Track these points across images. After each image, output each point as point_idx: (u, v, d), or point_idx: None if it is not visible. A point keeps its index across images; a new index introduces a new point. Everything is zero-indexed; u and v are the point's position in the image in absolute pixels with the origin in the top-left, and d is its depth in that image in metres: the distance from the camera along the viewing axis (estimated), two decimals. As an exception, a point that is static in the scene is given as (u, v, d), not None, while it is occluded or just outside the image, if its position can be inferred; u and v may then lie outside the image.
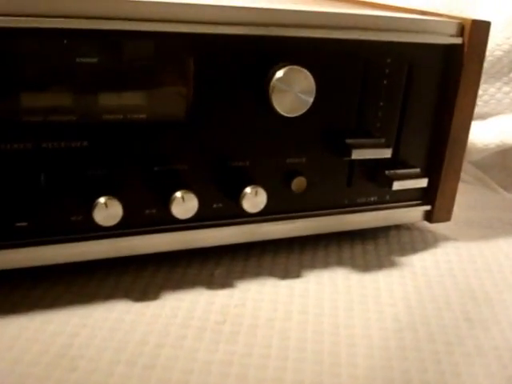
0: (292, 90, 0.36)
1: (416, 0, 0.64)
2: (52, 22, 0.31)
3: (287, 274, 0.42)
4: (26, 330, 0.34)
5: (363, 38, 0.39)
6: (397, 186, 0.42)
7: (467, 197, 0.58)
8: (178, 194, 0.36)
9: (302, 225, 0.43)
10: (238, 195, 0.37)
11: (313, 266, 0.43)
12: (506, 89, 0.67)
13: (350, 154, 0.40)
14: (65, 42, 0.32)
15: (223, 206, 0.39)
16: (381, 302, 0.39)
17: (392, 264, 0.44)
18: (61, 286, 0.38)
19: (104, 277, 0.39)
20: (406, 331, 0.36)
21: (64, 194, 0.35)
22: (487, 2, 0.67)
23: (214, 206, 0.39)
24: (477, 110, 0.46)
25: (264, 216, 0.40)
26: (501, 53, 0.65)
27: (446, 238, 0.49)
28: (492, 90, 0.66)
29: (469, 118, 0.44)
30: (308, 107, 0.36)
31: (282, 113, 0.36)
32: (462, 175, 0.47)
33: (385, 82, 0.41)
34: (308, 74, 0.36)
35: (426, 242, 0.48)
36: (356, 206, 0.44)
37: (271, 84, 0.35)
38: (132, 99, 0.35)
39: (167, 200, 0.36)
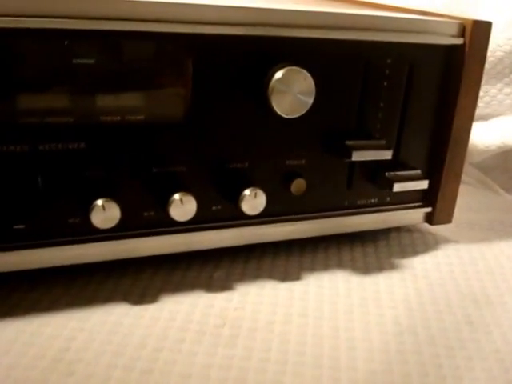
0: (291, 91, 0.35)
1: (416, 0, 0.64)
2: (49, 23, 0.31)
3: (287, 276, 0.41)
4: (22, 333, 0.33)
5: (363, 38, 0.39)
6: (397, 187, 0.42)
7: (468, 199, 0.58)
8: (177, 197, 0.35)
9: (301, 227, 0.42)
10: (236, 197, 0.37)
11: (312, 268, 0.43)
12: (507, 90, 0.66)
13: (350, 156, 0.39)
14: (62, 42, 0.32)
15: (222, 208, 0.39)
16: (381, 304, 0.39)
17: (392, 266, 0.44)
18: (58, 289, 0.38)
19: (102, 279, 0.39)
20: (406, 334, 0.35)
21: (61, 197, 0.35)
22: (488, 2, 0.67)
23: (213, 208, 0.39)
24: (478, 111, 0.46)
25: (263, 218, 0.40)
26: (502, 53, 0.65)
27: (447, 241, 0.49)
28: (493, 91, 0.66)
29: (470, 119, 0.44)
30: (307, 108, 0.36)
31: (281, 114, 0.36)
32: (463, 177, 0.47)
33: (385, 82, 0.41)
34: (307, 74, 0.35)
35: (426, 245, 0.48)
36: (356, 208, 0.44)
37: (270, 85, 0.35)
38: (130, 100, 0.35)
39: (165, 202, 0.35)
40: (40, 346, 0.32)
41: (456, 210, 0.47)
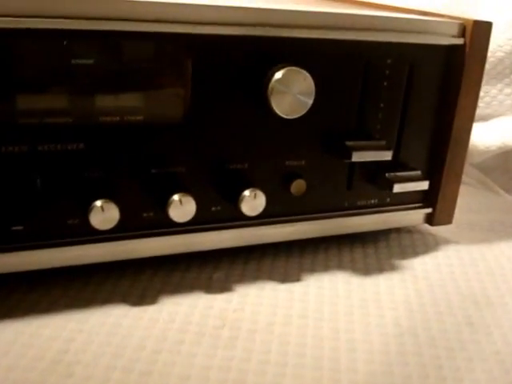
0: (291, 92, 0.35)
1: (417, 0, 0.63)
2: (48, 23, 0.31)
3: (287, 277, 0.41)
4: (21, 334, 0.33)
5: (363, 38, 0.39)
6: (397, 188, 0.41)
7: (469, 199, 0.58)
8: (176, 197, 0.35)
9: (301, 228, 0.42)
10: (236, 198, 0.37)
11: (313, 269, 0.43)
12: (507, 90, 0.66)
13: (350, 157, 0.39)
14: (61, 43, 0.32)
15: (222, 209, 0.39)
16: (381, 306, 0.39)
17: (393, 267, 0.44)
18: (57, 290, 0.37)
19: (101, 281, 0.39)
20: (406, 336, 0.35)
21: (60, 197, 0.35)
22: (489, 2, 0.67)
23: (213, 209, 0.39)
24: (478, 111, 0.45)
25: (263, 219, 0.40)
26: (502, 54, 0.64)
27: (448, 241, 0.49)
28: (494, 91, 0.66)
29: (470, 119, 0.44)
30: (307, 109, 0.36)
31: (281, 114, 0.36)
32: (464, 177, 0.47)
33: (385, 83, 0.41)
34: (307, 75, 0.35)
35: (427, 246, 0.48)
36: (356, 209, 0.44)
37: (270, 85, 0.35)
38: (129, 101, 0.35)
39: (165, 203, 0.35)
40: (39, 347, 0.32)
41: (456, 211, 0.47)
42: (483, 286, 0.42)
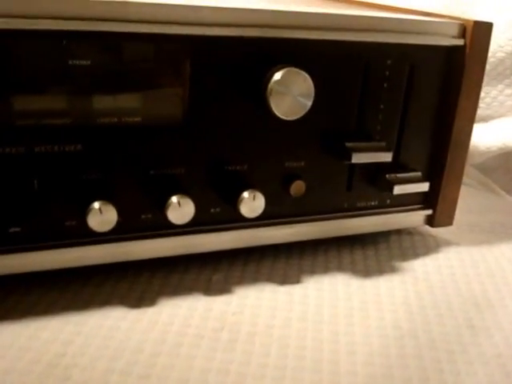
0: (290, 93, 0.35)
1: (417, 1, 0.63)
2: (45, 24, 0.31)
3: (286, 279, 0.41)
4: (19, 337, 0.33)
5: (363, 39, 0.39)
6: (398, 190, 0.41)
7: (469, 200, 0.58)
8: (174, 199, 0.35)
9: (301, 230, 0.42)
10: (235, 200, 0.37)
11: (312, 271, 0.42)
12: (508, 91, 0.66)
13: (349, 158, 0.39)
14: (59, 43, 0.31)
15: (221, 210, 0.39)
16: (382, 308, 0.38)
17: (393, 269, 0.44)
18: (55, 292, 0.37)
19: (100, 282, 0.39)
20: (407, 338, 0.35)
21: (58, 199, 0.34)
22: (489, 2, 0.67)
23: (212, 210, 0.39)
24: (479, 112, 0.45)
25: (262, 221, 0.40)
26: (503, 54, 0.64)
27: (448, 243, 0.48)
28: (494, 92, 0.66)
29: (471, 120, 0.44)
30: (306, 110, 0.36)
31: (280, 116, 0.35)
32: (464, 178, 0.46)
33: (385, 84, 0.41)
34: (307, 76, 0.35)
35: (427, 247, 0.47)
36: (356, 211, 0.43)
37: (269, 86, 0.34)
38: (127, 102, 0.34)
39: (163, 205, 0.35)
40: (36, 350, 0.32)
41: (457, 212, 0.47)
42: (484, 288, 0.42)
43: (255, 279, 0.41)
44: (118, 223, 0.34)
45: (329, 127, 0.40)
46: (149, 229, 0.37)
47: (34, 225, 0.34)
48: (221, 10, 0.35)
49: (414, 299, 0.40)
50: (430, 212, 0.46)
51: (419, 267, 0.44)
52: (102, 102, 0.34)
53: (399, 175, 0.42)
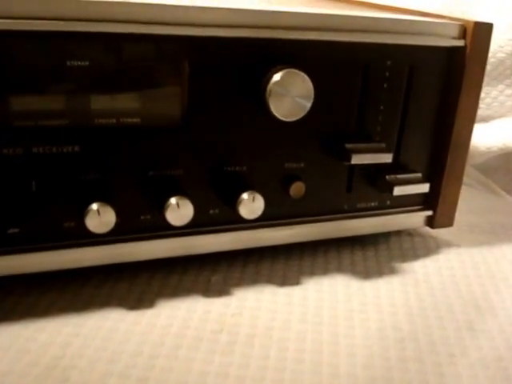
0: (289, 94, 0.35)
1: (417, 1, 0.63)
2: (43, 25, 0.31)
3: (286, 280, 0.41)
4: (17, 338, 0.33)
5: (363, 40, 0.38)
6: (398, 191, 0.41)
7: (469, 201, 0.57)
8: (173, 201, 0.35)
9: (300, 231, 0.42)
10: (234, 201, 0.37)
11: (312, 272, 0.42)
12: (508, 91, 0.66)
13: (349, 159, 0.39)
14: (57, 44, 0.31)
15: (220, 211, 0.39)
16: (382, 310, 0.38)
17: (393, 271, 0.43)
18: (54, 293, 0.37)
19: (99, 284, 0.39)
20: (407, 341, 0.35)
21: (56, 200, 0.34)
22: (489, 3, 0.67)
23: (211, 211, 0.38)
24: (479, 112, 0.45)
25: (262, 222, 0.39)
26: (503, 55, 0.64)
27: (449, 244, 0.48)
28: (494, 92, 0.66)
29: (471, 121, 0.44)
30: (306, 111, 0.36)
31: (280, 117, 0.35)
32: (465, 179, 0.46)
33: (385, 85, 0.40)
34: (306, 77, 0.35)
35: (427, 248, 0.47)
36: (356, 212, 0.43)
37: (268, 87, 0.34)
38: (125, 103, 0.34)
39: (162, 206, 0.35)
40: (35, 352, 0.32)
41: (457, 213, 0.46)
42: (484, 289, 0.41)
43: (254, 280, 0.41)
44: (117, 224, 0.34)
45: (328, 128, 0.40)
46: (147, 230, 0.37)
47: (33, 226, 0.34)
48: (220, 11, 0.34)
49: (414, 301, 0.39)
50: (430, 213, 0.46)
51: (419, 268, 0.44)
52: (100, 103, 0.33)
53: (399, 176, 0.42)
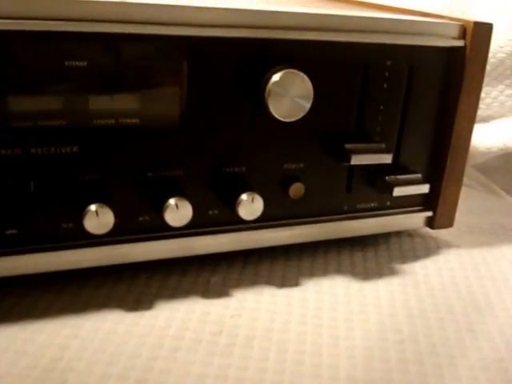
0: (289, 95, 0.35)
1: (417, 1, 0.63)
2: (42, 25, 0.30)
3: (285, 281, 0.41)
4: (15, 340, 0.33)
5: (362, 40, 0.38)
6: (397, 192, 0.41)
7: (469, 202, 0.57)
8: (172, 202, 0.35)
9: (300, 232, 0.42)
10: (233, 202, 0.36)
11: (312, 273, 0.42)
12: (508, 91, 0.66)
13: (349, 160, 0.39)
14: (55, 44, 0.31)
15: (219, 212, 0.38)
16: (381, 311, 0.38)
17: (393, 272, 0.43)
18: (52, 295, 0.37)
19: (97, 285, 0.38)
20: (407, 342, 0.35)
21: (54, 201, 0.34)
22: (489, 3, 0.66)
23: (210, 212, 0.38)
24: (479, 112, 0.45)
25: (261, 223, 0.39)
26: (503, 55, 0.64)
27: (449, 245, 0.48)
28: (494, 92, 0.65)
29: (471, 121, 0.43)
30: (305, 112, 0.35)
31: (279, 117, 0.35)
32: (464, 179, 0.46)
33: (385, 85, 0.40)
34: (305, 77, 0.35)
35: (427, 249, 0.47)
36: (356, 212, 0.43)
37: (267, 88, 0.34)
38: (124, 103, 0.34)
39: (161, 207, 0.35)
40: (32, 354, 0.32)
41: (457, 214, 0.46)
42: (485, 290, 0.41)
43: (254, 282, 0.40)
44: (116, 225, 0.34)
45: (328, 129, 0.40)
46: (146, 231, 0.37)
47: (31, 227, 0.34)
48: (219, 11, 0.34)
49: (414, 302, 0.39)
50: (430, 214, 0.45)
51: (419, 269, 0.44)
52: (99, 103, 0.33)
53: (399, 177, 0.42)
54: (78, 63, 0.32)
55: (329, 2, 0.53)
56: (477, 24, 0.41)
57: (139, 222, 0.37)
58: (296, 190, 0.40)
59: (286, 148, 0.39)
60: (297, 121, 0.36)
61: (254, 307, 0.37)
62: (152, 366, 0.31)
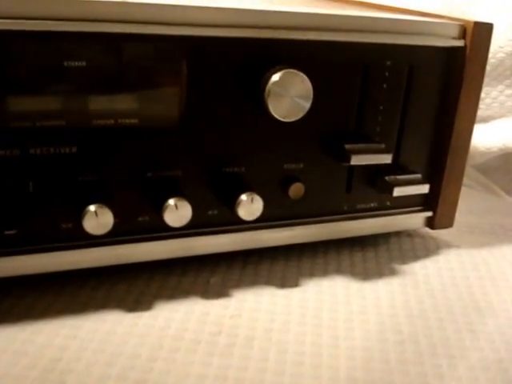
0: (288, 95, 0.35)
1: (417, 1, 0.63)
2: (41, 25, 0.30)
3: (285, 282, 0.41)
4: (14, 341, 0.32)
5: (362, 40, 0.38)
6: (397, 192, 0.41)
7: (469, 202, 0.57)
8: (171, 202, 0.34)
9: (300, 232, 0.41)
10: (233, 202, 0.36)
11: (311, 274, 0.42)
12: (508, 91, 0.66)
13: (349, 160, 0.39)
14: (54, 44, 0.31)
15: (218, 212, 0.38)
16: (381, 312, 0.38)
17: (393, 272, 0.43)
18: (51, 295, 0.37)
19: (97, 285, 0.38)
20: (407, 343, 0.35)
21: (53, 201, 0.34)
22: (489, 3, 0.66)
23: (209, 212, 0.38)
24: (479, 113, 0.45)
25: (261, 223, 0.39)
26: (503, 55, 0.64)
27: (449, 245, 0.48)
28: (494, 92, 0.65)
29: (471, 121, 0.43)
30: (305, 112, 0.35)
31: (279, 118, 0.35)
32: (464, 179, 0.46)
33: (385, 85, 0.40)
34: (305, 77, 0.35)
35: (427, 249, 0.47)
36: (356, 213, 0.43)
37: (267, 88, 0.34)
38: (123, 104, 0.34)
39: (160, 208, 0.35)
40: (32, 354, 0.32)
41: (457, 214, 0.46)
42: (485, 291, 0.41)
43: (253, 282, 0.40)
44: (115, 226, 0.34)
45: (328, 129, 0.40)
46: (146, 231, 0.37)
47: (30, 227, 0.34)
48: (218, 11, 0.34)
49: (414, 302, 0.39)
50: (430, 214, 0.45)
51: (419, 270, 0.44)
52: (98, 104, 0.33)
53: (399, 177, 0.42)
54: (77, 63, 0.32)
55: (328, 2, 0.52)
56: (477, 24, 0.41)
57: (139, 222, 0.37)
58: (296, 190, 0.40)
59: (286, 148, 0.39)
60: (296, 121, 0.36)
61: (254, 307, 0.37)
62: (151, 367, 0.31)
